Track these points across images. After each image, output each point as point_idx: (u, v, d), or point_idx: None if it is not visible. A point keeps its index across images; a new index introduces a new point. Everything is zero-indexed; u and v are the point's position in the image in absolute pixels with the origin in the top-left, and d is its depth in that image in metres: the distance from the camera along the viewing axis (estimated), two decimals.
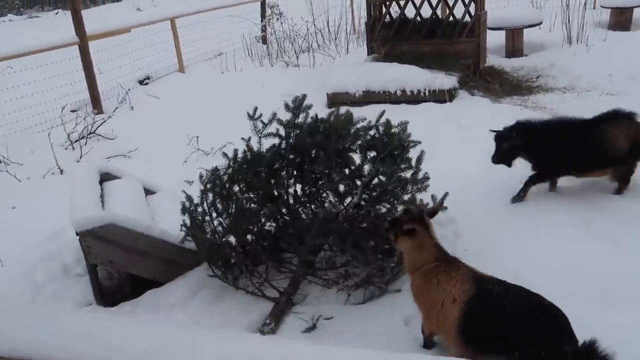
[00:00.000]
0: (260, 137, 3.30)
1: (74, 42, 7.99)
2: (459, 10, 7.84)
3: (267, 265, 3.56)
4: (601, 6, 9.68)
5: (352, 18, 13.54)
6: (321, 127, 3.15)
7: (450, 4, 7.83)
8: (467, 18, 7.73)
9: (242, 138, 3.50)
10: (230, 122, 7.25)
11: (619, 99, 6.28)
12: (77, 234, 3.60)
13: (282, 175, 3.19)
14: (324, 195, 3.31)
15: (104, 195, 4.22)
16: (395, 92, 6.66)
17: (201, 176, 3.29)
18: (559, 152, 4.02)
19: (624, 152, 3.95)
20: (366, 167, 3.08)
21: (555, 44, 9.11)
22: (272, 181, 3.12)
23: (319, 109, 7.45)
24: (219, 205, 3.30)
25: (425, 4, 7.93)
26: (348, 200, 3.16)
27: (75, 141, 6.87)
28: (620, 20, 9.62)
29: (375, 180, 3.10)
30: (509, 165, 4.20)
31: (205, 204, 3.19)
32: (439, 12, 8.48)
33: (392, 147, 3.03)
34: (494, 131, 4.16)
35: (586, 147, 3.99)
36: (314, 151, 3.07)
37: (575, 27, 8.92)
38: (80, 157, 6.62)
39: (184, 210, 3.31)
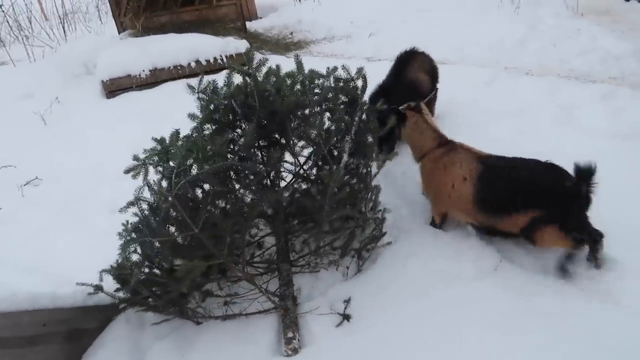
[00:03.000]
0: (216, 117, 2.43)
1: None
2: None
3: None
4: None
5: (39, 2, 11.34)
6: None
7: None
8: None
9: (190, 114, 2.53)
10: None
11: (379, 37, 7.13)
12: None
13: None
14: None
15: None
16: (189, 64, 5.90)
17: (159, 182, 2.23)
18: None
19: (431, 86, 4.12)
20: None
21: (285, 4, 9.63)
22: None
23: (95, 102, 6.09)
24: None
25: None
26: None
27: None
28: None
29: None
30: None
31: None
32: None
33: (362, 95, 2.68)
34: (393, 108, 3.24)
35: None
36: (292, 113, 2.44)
37: None
38: None
39: (127, 244, 2.23)
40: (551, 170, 2.59)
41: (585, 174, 2.41)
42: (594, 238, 2.55)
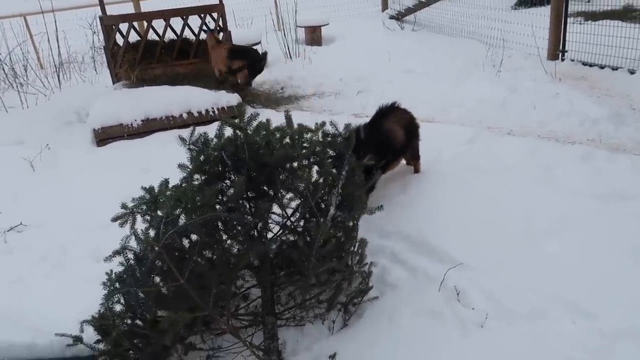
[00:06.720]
0: (206, 168, 2.48)
1: None
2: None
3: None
4: (297, 26, 11.07)
5: (36, 51, 11.61)
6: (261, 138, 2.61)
7: (194, 27, 7.60)
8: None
9: (180, 164, 2.57)
10: None
11: (366, 95, 7.35)
12: None
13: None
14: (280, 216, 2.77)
15: None
16: (181, 115, 6.02)
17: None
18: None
19: (405, 140, 4.21)
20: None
21: (276, 60, 9.93)
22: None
23: (85, 150, 6.13)
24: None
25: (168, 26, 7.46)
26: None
27: None
28: (314, 37, 11.30)
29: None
30: None
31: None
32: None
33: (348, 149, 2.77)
34: None
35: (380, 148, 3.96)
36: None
37: (290, 45, 9.98)
38: None
39: (110, 294, 2.22)
40: None
41: None
42: None
